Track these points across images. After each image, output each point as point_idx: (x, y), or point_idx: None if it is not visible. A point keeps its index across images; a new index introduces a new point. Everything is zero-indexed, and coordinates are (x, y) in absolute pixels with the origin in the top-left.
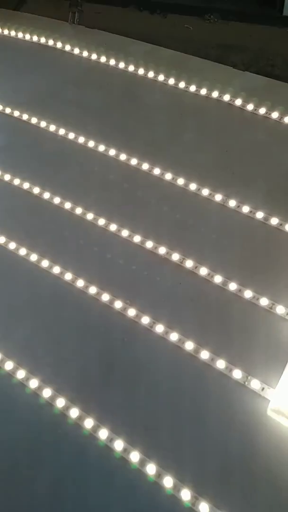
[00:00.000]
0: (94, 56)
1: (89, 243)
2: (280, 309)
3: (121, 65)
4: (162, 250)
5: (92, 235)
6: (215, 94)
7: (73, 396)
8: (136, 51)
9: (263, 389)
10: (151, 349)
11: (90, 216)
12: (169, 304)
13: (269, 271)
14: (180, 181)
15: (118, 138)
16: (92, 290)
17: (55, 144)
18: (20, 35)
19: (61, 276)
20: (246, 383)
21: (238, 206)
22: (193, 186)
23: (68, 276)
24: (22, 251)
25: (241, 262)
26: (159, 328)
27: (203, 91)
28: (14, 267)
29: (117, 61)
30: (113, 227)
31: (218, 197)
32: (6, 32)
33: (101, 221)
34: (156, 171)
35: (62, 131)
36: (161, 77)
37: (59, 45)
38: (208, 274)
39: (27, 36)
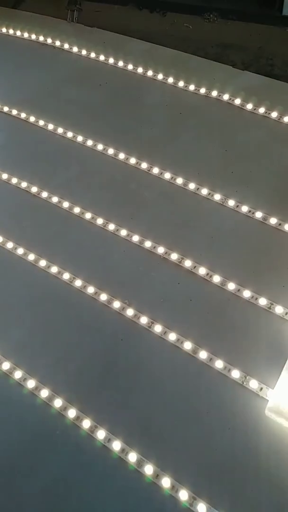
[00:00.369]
0: (93, 55)
1: (87, 243)
2: (279, 309)
3: (120, 63)
4: (160, 250)
5: (90, 234)
6: (214, 93)
7: (71, 397)
8: (135, 49)
9: (261, 389)
10: (150, 349)
11: (88, 215)
12: (167, 304)
13: (268, 271)
14: (179, 181)
15: (117, 137)
16: (90, 290)
17: (53, 142)
18: (18, 33)
19: (59, 275)
20: (245, 383)
21: (237, 206)
22: (192, 186)
23: (66, 275)
24: (20, 251)
25: (240, 262)
26: (158, 328)
27: (203, 90)
28: (11, 266)
29: (116, 59)
30: (111, 227)
31: (217, 197)
32: (4, 30)
33: (99, 221)
34: (155, 170)
35: (60, 130)
36: (160, 76)
37: (57, 43)
38: (207, 274)
39: (26, 34)
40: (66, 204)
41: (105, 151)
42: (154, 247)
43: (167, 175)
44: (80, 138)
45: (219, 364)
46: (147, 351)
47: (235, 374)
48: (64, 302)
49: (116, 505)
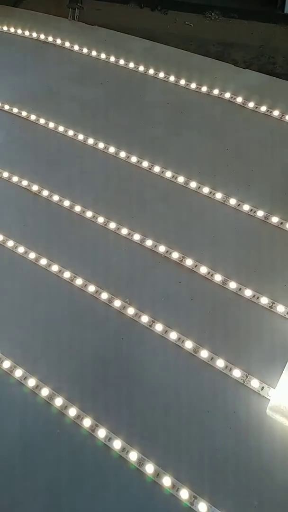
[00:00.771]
0: (94, 53)
1: (88, 242)
2: (280, 308)
3: (121, 62)
4: (162, 249)
5: (91, 233)
6: (216, 91)
7: (71, 395)
8: (137, 48)
9: (262, 388)
10: (150, 348)
11: (89, 214)
12: (168, 303)
13: (270, 270)
14: (181, 179)
15: (118, 135)
16: (91, 288)
17: (54, 141)
18: (19, 31)
19: (60, 274)
20: (246, 382)
21: (239, 205)
22: (193, 184)
23: (66, 274)
24: (20, 249)
25: (242, 260)
26: (159, 327)
27: (204, 89)
28: (12, 265)
29: (117, 58)
30: (112, 225)
31: (219, 195)
32: (5, 28)
33: (100, 219)
34: (156, 169)
35: (61, 128)
36: (161, 74)
37: (58, 41)
38: (208, 273)
39: (27, 33)
40: (67, 203)
41: (106, 149)
42: (155, 246)
43: (168, 174)
44: (81, 137)
45: (220, 363)
46: (148, 350)
47: (236, 373)
48: (65, 301)
49: (116, 504)
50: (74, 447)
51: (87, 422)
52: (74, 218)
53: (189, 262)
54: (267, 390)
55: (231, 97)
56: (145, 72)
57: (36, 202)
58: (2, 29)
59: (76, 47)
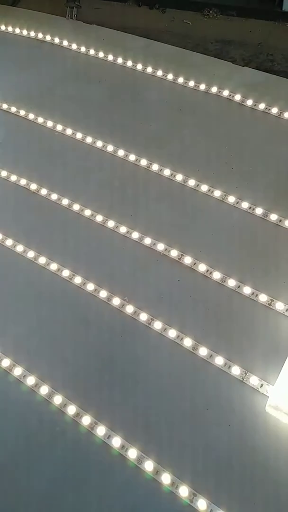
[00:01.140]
0: (92, 52)
1: (87, 240)
2: (279, 306)
3: (120, 60)
4: (160, 247)
5: (90, 231)
6: (214, 89)
7: (70, 393)
8: (135, 46)
9: (261, 385)
10: (150, 346)
11: (88, 212)
12: (167, 300)
13: (269, 267)
14: (179, 177)
15: (116, 134)
16: (90, 287)
17: (53, 139)
18: (17, 30)
19: (58, 272)
20: (245, 379)
21: (237, 202)
22: (192, 182)
23: (65, 272)
24: (19, 248)
25: (240, 258)
26: (157, 325)
27: (202, 87)
28: (10, 263)
29: (115, 56)
30: (111, 224)
31: (217, 193)
32: (3, 27)
33: (99, 218)
34: (155, 167)
35: (59, 127)
36: (159, 73)
37: (56, 40)
38: (207, 271)
39: (25, 32)
40: (65, 201)
41: (104, 148)
42: (154, 244)
43: (167, 172)
44: (79, 135)
45: (219, 360)
46: (147, 348)
47: (235, 370)
48: (63, 299)
49: (116, 501)
50: (74, 444)
51: (86, 420)
52: (72, 217)
53: (188, 259)
54: (266, 387)
55: (230, 95)
56: (143, 71)
57: (34, 200)
58: (0, 28)
59: (74, 46)
